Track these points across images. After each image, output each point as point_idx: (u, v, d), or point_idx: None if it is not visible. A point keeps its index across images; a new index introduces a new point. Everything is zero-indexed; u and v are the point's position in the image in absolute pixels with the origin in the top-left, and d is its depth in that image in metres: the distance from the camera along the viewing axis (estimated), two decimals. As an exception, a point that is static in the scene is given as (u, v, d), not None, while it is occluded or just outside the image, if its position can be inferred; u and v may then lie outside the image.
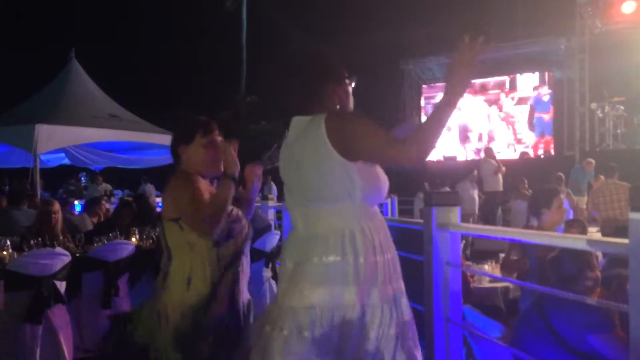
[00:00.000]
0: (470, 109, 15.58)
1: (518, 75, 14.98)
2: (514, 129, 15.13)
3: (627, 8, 12.37)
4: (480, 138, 15.53)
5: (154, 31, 18.12)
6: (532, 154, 14.80)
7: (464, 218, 2.65)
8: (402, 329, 1.81)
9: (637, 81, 12.13)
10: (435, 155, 15.93)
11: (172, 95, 17.34)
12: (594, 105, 12.81)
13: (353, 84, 1.96)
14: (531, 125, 14.99)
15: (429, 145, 1.65)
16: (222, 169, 2.25)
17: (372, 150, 1.73)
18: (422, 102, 16.72)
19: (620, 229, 5.06)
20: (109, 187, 12.67)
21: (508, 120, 15.29)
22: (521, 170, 10.99)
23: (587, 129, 13.37)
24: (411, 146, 1.64)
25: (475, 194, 10.54)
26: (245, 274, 2.33)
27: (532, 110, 14.99)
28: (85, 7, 19.06)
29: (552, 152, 14.60)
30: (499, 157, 11.57)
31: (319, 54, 1.94)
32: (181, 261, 2.20)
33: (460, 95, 1.70)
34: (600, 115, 12.84)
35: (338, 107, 1.89)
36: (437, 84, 16.63)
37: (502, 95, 15.33)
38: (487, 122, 15.50)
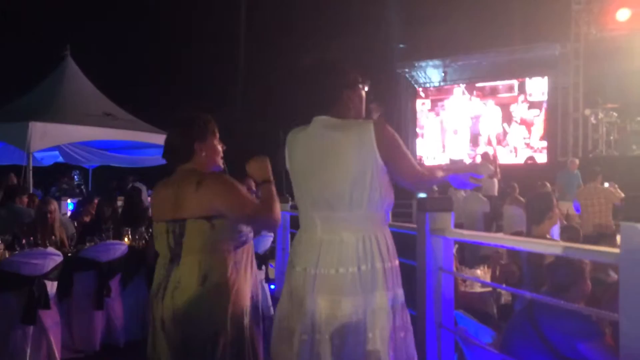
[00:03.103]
0: (480, 113, 15.46)
1: (527, 79, 14.72)
2: (529, 131, 14.75)
3: (622, 15, 12.47)
4: (489, 142, 15.37)
5: (150, 29, 18.06)
6: (538, 160, 14.45)
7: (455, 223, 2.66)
8: (401, 336, 1.85)
9: (631, 88, 12.17)
10: (443, 159, 15.94)
11: (167, 95, 17.27)
12: (587, 112, 12.85)
13: (366, 88, 2.04)
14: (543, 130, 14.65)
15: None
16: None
17: (407, 166, 1.89)
18: (418, 106, 16.73)
19: (603, 236, 5.16)
20: None
21: (519, 124, 14.93)
22: (514, 176, 10.98)
23: (580, 135, 13.41)
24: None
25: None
26: (256, 276, 2.37)
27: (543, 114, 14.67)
28: (80, 4, 18.97)
29: (545, 158, 14.55)
30: (502, 161, 11.25)
31: (333, 64, 2.00)
32: (196, 260, 2.11)
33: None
34: (594, 121, 12.89)
35: (352, 112, 1.97)
36: (433, 87, 16.68)
37: (516, 99, 14.99)
38: (496, 126, 15.26)
